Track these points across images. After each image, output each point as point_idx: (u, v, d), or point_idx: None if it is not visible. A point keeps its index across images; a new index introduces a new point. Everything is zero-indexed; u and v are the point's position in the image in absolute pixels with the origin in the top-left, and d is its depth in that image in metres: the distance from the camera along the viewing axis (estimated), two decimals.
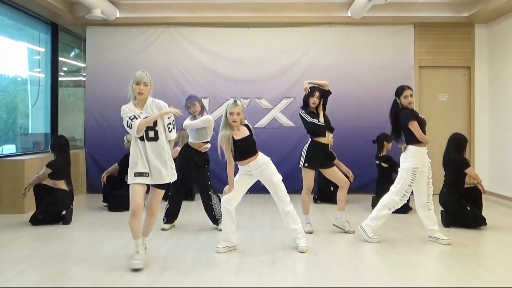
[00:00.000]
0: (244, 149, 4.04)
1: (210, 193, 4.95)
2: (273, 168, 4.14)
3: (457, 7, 7.40)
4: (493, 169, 7.37)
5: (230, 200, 4.09)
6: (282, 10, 7.46)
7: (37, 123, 7.62)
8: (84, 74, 7.98)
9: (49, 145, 5.64)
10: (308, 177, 4.85)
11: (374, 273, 3.58)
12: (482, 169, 7.44)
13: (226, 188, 4.11)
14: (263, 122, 7.59)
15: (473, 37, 7.61)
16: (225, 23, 7.57)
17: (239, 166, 4.15)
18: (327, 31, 7.62)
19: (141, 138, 3.61)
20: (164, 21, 7.59)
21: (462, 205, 5.04)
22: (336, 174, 4.91)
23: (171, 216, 5.05)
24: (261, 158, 4.12)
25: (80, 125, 8.26)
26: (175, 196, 5.06)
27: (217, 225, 4.89)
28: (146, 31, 7.68)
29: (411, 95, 4.46)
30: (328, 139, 4.88)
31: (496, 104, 7.35)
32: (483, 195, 5.19)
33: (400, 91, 4.50)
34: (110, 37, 7.70)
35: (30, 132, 7.55)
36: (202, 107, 5.05)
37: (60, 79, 7.93)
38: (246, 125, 4.15)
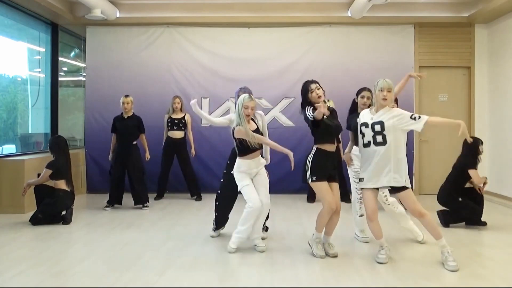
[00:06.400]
0: (251, 146, 4.09)
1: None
2: (265, 170, 4.33)
3: (457, 7, 7.40)
4: (493, 169, 7.37)
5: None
6: (282, 10, 7.46)
7: (37, 123, 7.63)
8: (84, 74, 7.99)
9: (48, 146, 5.63)
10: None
11: (374, 273, 3.58)
12: (482, 169, 7.43)
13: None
14: None
15: (473, 37, 7.61)
16: (225, 23, 7.58)
17: (239, 163, 4.15)
18: (327, 31, 7.62)
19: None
20: (164, 21, 7.59)
21: (453, 198, 5.08)
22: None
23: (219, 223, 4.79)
24: (260, 158, 4.30)
25: (80, 125, 8.26)
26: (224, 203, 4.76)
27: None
28: (146, 31, 7.69)
29: (367, 98, 4.47)
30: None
31: (496, 104, 7.35)
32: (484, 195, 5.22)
33: (359, 91, 4.57)
34: (110, 37, 7.70)
35: (30, 132, 7.55)
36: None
37: (60, 79, 7.93)
38: (252, 119, 4.26)
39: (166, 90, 7.57)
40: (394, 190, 3.88)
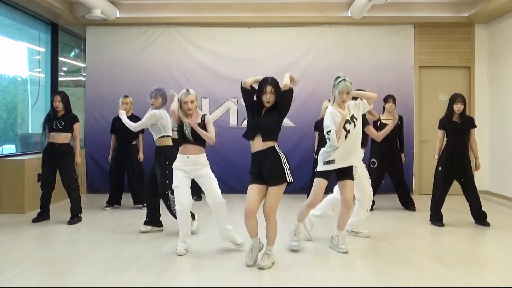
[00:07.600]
0: (187, 134, 3.99)
1: (167, 193, 4.76)
2: (209, 170, 4.13)
3: (457, 7, 7.40)
4: (493, 169, 7.37)
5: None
6: (282, 10, 7.46)
7: (37, 123, 7.62)
8: (84, 74, 7.99)
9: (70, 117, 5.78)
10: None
11: (374, 273, 3.58)
12: (482, 169, 7.42)
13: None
14: None
15: (473, 37, 7.62)
16: (225, 23, 7.58)
17: (178, 156, 4.10)
18: (327, 31, 7.62)
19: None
20: (164, 21, 7.59)
21: None
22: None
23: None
24: (203, 158, 4.11)
25: (80, 125, 8.25)
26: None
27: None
28: (146, 31, 7.69)
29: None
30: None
31: (496, 104, 7.35)
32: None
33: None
34: (110, 37, 7.71)
35: (30, 132, 7.55)
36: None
37: (60, 79, 7.93)
38: (204, 115, 4.16)
39: (166, 90, 7.56)
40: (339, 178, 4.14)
